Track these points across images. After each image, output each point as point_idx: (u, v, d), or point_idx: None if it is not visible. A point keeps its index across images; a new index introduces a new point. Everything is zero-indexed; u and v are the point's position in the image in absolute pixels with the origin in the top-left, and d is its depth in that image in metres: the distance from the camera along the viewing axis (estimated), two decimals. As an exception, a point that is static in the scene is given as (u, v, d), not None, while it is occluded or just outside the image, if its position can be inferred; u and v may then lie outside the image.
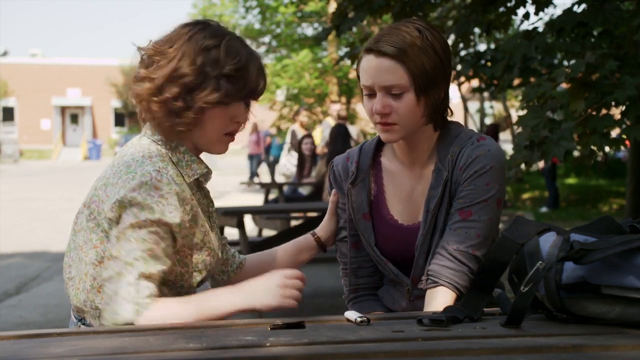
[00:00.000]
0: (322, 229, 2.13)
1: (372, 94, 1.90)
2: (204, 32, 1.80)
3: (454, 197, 1.93)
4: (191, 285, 1.86)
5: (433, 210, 1.94)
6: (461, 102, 17.99)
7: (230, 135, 1.87)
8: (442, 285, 1.89)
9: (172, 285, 1.82)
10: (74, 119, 46.16)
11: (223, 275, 2.05)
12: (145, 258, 1.69)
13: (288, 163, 10.71)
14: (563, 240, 1.52)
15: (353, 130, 9.92)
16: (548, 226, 1.59)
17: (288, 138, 10.94)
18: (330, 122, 11.50)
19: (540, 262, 1.50)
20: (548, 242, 1.54)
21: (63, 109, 45.76)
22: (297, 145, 10.68)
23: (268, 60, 21.36)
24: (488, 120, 23.12)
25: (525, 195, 14.62)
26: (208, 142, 1.85)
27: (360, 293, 2.12)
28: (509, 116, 18.35)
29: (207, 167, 1.87)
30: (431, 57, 1.86)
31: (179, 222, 1.73)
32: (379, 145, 2.07)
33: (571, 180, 16.64)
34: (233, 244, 5.48)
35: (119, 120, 46.38)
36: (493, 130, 14.05)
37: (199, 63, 1.76)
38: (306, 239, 2.14)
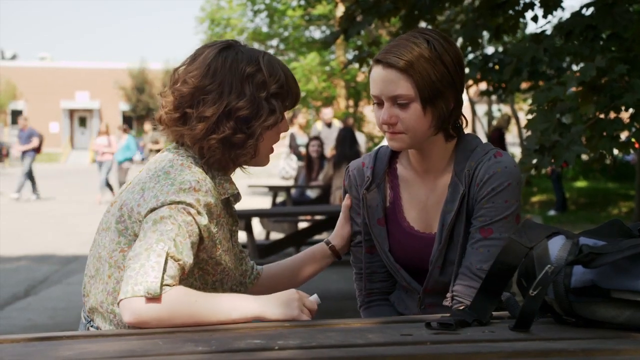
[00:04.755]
0: (337, 237, 2.11)
1: (380, 103, 1.92)
2: (239, 57, 1.81)
3: (472, 214, 1.92)
4: None
5: (449, 224, 1.93)
6: (469, 105, 17.96)
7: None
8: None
9: None
10: (83, 122, 46.28)
11: (241, 286, 2.02)
12: (176, 243, 1.65)
13: (287, 166, 10.71)
14: (572, 244, 1.52)
15: (360, 136, 9.91)
16: (557, 230, 1.58)
17: (287, 141, 10.96)
18: (319, 126, 11.53)
19: (549, 265, 1.49)
20: (557, 245, 1.53)
21: (71, 112, 45.90)
22: (296, 148, 10.69)
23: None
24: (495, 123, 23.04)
25: (534, 199, 14.58)
26: (260, 160, 1.89)
27: (374, 298, 2.11)
28: (510, 117, 18.24)
29: (237, 188, 1.87)
30: (438, 68, 1.87)
31: (206, 224, 1.73)
32: (395, 151, 2.07)
33: (580, 184, 16.58)
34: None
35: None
36: (498, 135, 13.94)
37: (249, 93, 1.78)
38: (321, 248, 2.12)
